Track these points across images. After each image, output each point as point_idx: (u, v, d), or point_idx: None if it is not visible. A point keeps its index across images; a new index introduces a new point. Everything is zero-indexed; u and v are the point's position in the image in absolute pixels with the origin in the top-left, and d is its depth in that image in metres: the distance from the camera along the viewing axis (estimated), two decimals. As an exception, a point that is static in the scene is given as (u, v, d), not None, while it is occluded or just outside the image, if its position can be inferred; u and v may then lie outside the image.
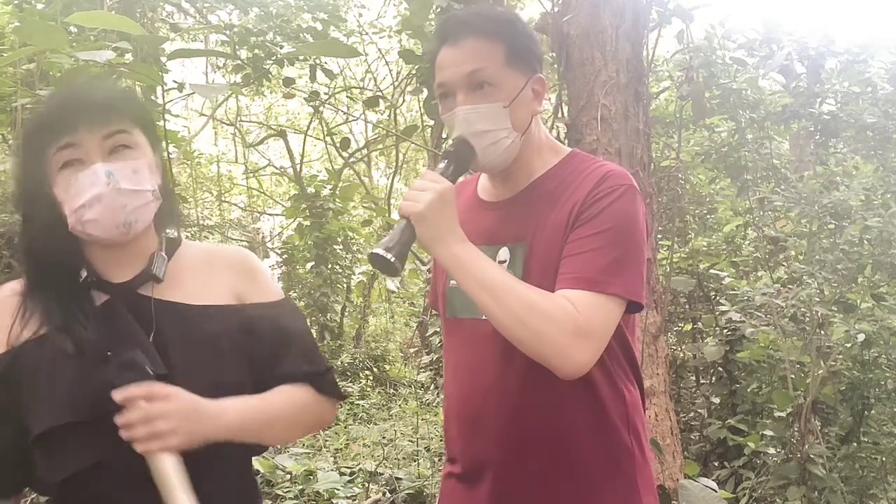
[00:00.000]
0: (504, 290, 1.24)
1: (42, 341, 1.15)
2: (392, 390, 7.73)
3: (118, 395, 1.08)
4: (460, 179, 1.43)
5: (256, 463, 3.50)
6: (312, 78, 5.56)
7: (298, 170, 8.51)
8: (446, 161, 1.35)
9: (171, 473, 1.09)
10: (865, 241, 4.12)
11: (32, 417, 1.13)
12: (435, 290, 1.57)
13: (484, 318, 1.36)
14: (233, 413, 1.16)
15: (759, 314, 4.47)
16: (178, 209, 1.33)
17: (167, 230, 1.30)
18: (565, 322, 1.21)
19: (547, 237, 1.34)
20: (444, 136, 7.32)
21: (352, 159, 8.20)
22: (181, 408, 1.10)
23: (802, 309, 4.14)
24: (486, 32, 1.36)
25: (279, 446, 4.09)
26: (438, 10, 3.20)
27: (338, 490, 3.97)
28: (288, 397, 1.25)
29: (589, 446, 1.35)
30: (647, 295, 2.95)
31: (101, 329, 1.16)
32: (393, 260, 1.21)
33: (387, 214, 6.94)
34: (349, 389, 7.34)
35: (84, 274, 1.20)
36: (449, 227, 1.27)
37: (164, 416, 1.08)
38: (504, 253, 1.38)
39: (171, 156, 2.68)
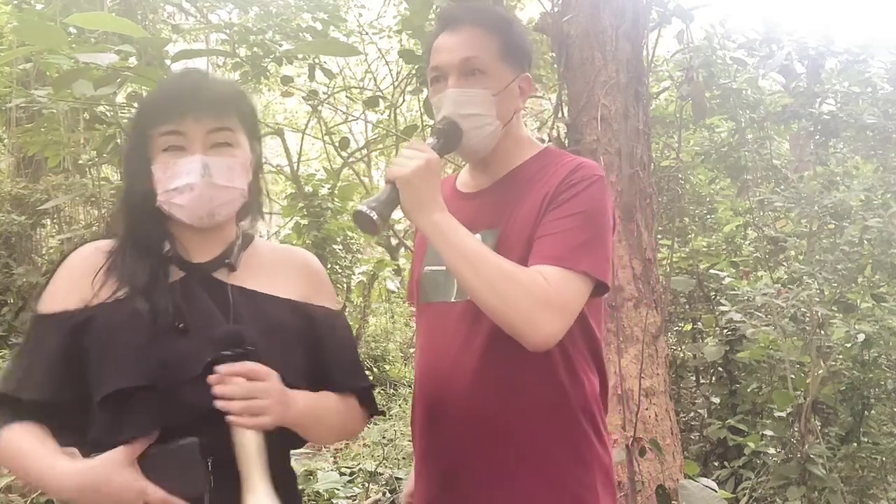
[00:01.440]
0: (481, 258, 1.28)
1: (120, 304, 1.20)
2: (392, 390, 7.73)
3: (225, 368, 1.13)
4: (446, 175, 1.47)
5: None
6: (311, 77, 5.55)
7: (295, 168, 8.50)
8: (435, 137, 1.40)
9: (253, 450, 1.14)
10: (865, 242, 4.12)
11: (101, 377, 1.17)
12: (411, 281, 1.63)
13: (453, 300, 1.44)
14: (301, 404, 1.21)
15: (760, 314, 4.46)
16: (261, 206, 1.40)
17: (246, 223, 1.37)
18: (537, 293, 1.26)
19: (520, 221, 1.40)
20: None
21: (351, 159, 8.19)
22: (277, 389, 1.16)
23: (802, 309, 4.14)
24: (485, 24, 1.44)
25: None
26: (438, 10, 3.19)
27: (338, 490, 3.97)
28: (338, 402, 1.31)
29: (543, 427, 1.39)
30: (647, 293, 2.96)
31: (178, 302, 1.21)
32: (375, 217, 1.26)
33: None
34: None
35: (167, 247, 1.26)
36: (431, 195, 1.31)
37: (262, 395, 1.14)
38: (477, 238, 1.41)
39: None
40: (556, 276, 1.29)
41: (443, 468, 1.45)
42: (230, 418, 1.12)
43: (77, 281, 1.23)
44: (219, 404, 1.12)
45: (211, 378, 1.13)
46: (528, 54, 1.48)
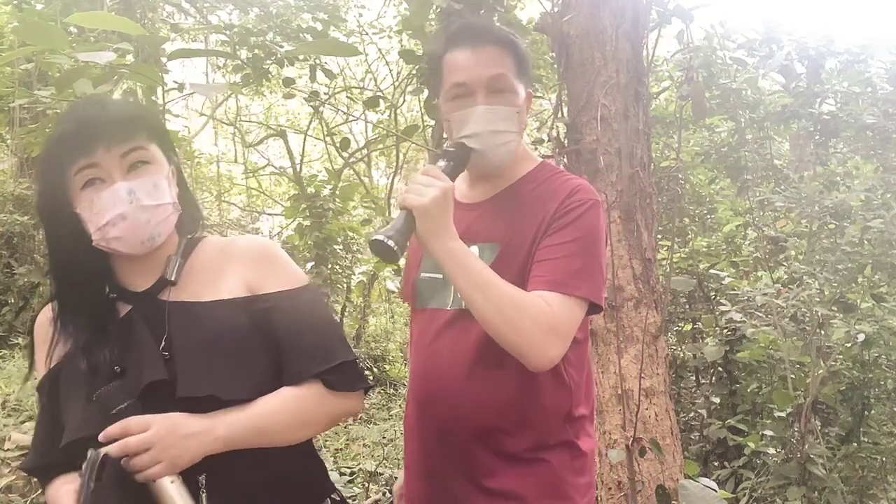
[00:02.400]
0: (491, 285, 1.32)
1: (70, 360, 1.22)
2: (392, 390, 7.72)
3: (101, 436, 1.10)
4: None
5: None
6: (312, 78, 5.55)
7: (298, 170, 8.51)
8: (446, 160, 1.42)
9: (171, 497, 1.12)
10: (866, 242, 4.12)
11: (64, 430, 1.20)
12: (407, 282, 1.66)
13: (448, 308, 1.48)
14: (223, 426, 1.16)
15: (760, 314, 4.46)
16: (198, 212, 1.36)
17: (189, 234, 1.32)
18: (542, 319, 1.31)
19: (518, 241, 1.44)
20: (444, 136, 7.30)
21: (352, 159, 8.19)
22: (159, 436, 1.11)
23: (803, 309, 4.14)
24: (503, 43, 1.48)
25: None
26: (438, 10, 3.20)
27: (338, 490, 3.97)
28: (285, 400, 1.22)
29: (528, 433, 1.44)
30: (647, 293, 2.97)
31: (119, 343, 1.19)
32: (395, 248, 1.27)
33: (387, 214, 6.94)
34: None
35: (107, 290, 1.24)
36: (446, 224, 1.34)
37: (143, 448, 1.10)
38: (474, 251, 1.45)
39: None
40: (558, 301, 1.34)
41: (431, 468, 1.50)
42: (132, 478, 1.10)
43: (43, 347, 1.27)
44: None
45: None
46: (531, 72, 1.54)
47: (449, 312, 1.48)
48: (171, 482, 1.13)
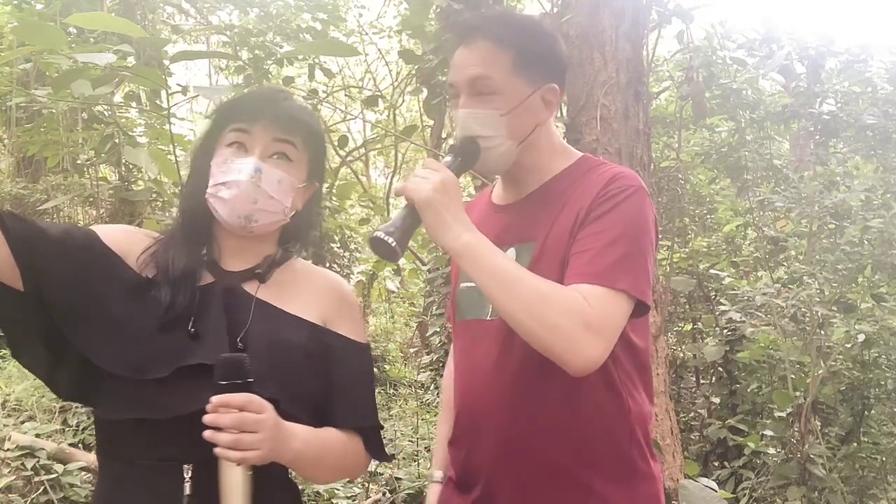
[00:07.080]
0: (515, 279, 1.20)
1: (150, 282, 1.22)
2: (392, 390, 7.72)
3: (218, 399, 1.08)
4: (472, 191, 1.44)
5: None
6: (311, 77, 5.56)
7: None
8: (453, 155, 1.35)
9: (238, 485, 1.09)
10: (866, 242, 4.12)
11: (98, 338, 1.16)
12: (451, 299, 1.55)
13: (487, 318, 1.36)
14: (299, 440, 1.17)
15: (760, 314, 4.47)
16: (309, 237, 1.39)
17: (290, 247, 1.36)
18: (578, 314, 1.18)
19: (555, 237, 1.32)
20: (443, 136, 7.33)
21: (349, 158, 8.19)
22: (270, 424, 1.11)
23: (802, 309, 4.14)
24: (497, 37, 1.35)
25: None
26: (438, 10, 3.20)
27: (338, 490, 3.98)
28: (339, 440, 1.26)
29: (584, 453, 1.32)
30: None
31: (195, 305, 1.21)
32: (394, 244, 1.18)
33: (385, 213, 6.93)
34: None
35: (204, 251, 1.28)
36: (455, 216, 1.24)
37: (253, 429, 1.08)
38: (511, 253, 1.37)
39: (178, 159, 2.69)
40: (596, 294, 1.21)
41: (481, 491, 1.38)
42: (217, 451, 1.07)
43: (128, 244, 1.26)
44: (206, 434, 1.07)
45: (207, 412, 1.08)
46: (552, 62, 1.39)
47: (490, 323, 1.36)
48: (249, 473, 1.10)
